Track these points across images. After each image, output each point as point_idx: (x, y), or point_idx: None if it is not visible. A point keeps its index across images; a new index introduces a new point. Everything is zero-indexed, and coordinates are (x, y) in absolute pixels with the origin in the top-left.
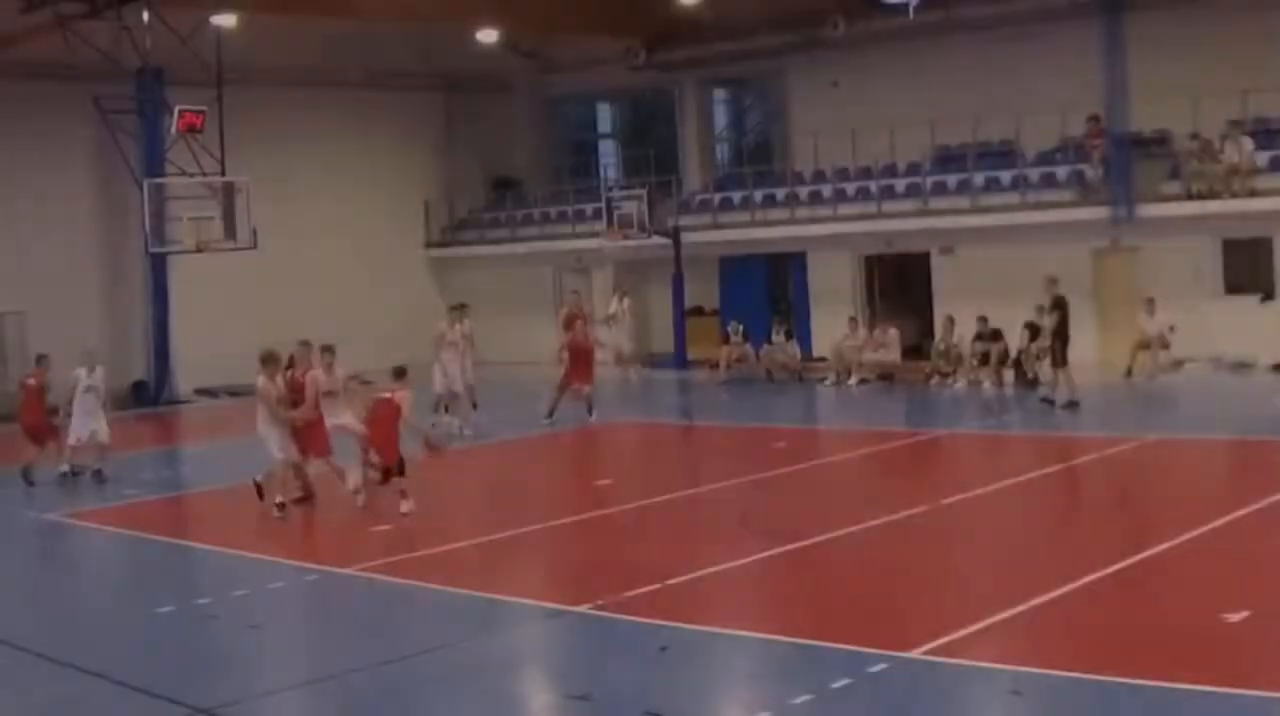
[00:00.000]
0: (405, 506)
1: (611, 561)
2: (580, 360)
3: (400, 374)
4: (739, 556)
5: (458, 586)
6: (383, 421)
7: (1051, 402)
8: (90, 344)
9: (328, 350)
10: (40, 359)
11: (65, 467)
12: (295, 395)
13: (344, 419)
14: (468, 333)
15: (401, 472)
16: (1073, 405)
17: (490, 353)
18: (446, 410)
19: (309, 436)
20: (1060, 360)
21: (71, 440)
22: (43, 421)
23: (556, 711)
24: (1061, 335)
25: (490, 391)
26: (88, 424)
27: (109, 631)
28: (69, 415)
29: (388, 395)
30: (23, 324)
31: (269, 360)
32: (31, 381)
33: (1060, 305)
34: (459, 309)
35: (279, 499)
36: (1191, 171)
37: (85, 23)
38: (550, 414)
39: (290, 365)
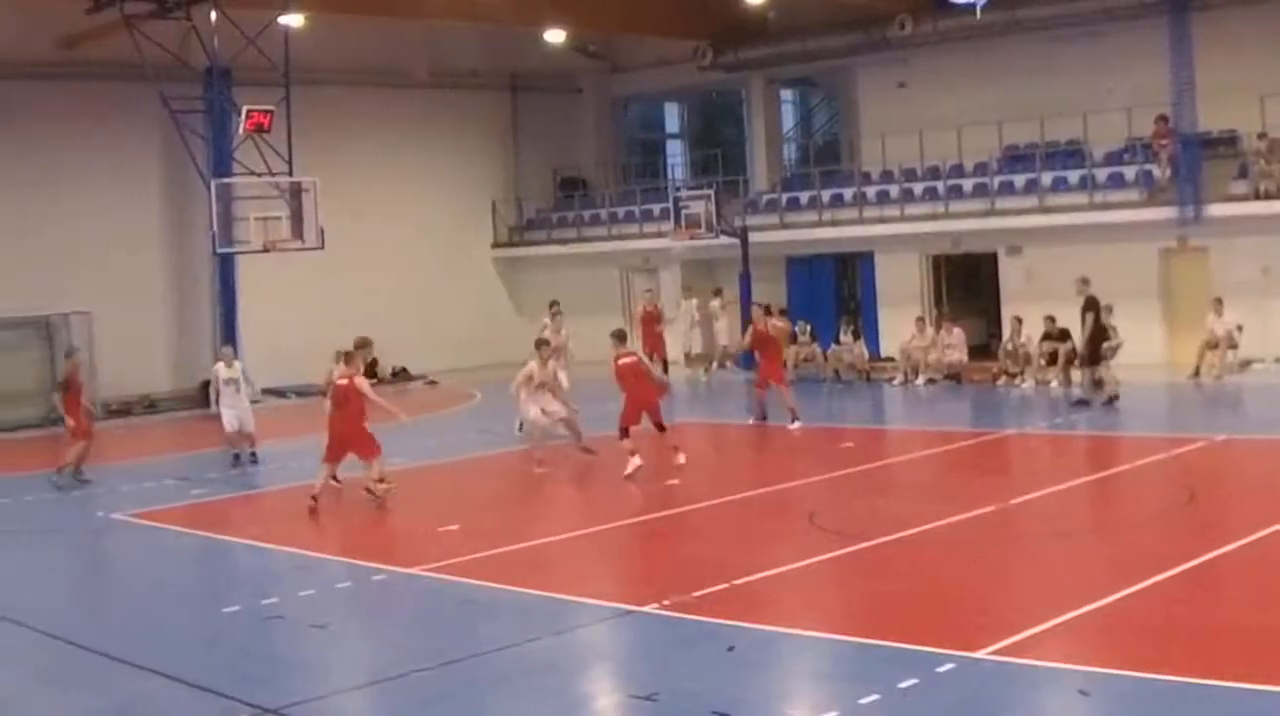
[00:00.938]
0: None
1: (679, 561)
2: (771, 353)
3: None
4: (806, 556)
5: (524, 586)
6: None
7: (1086, 403)
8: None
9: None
10: (70, 352)
11: (233, 452)
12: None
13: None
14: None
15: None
16: (1112, 401)
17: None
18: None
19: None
20: (1092, 359)
21: (226, 429)
22: (78, 416)
23: (623, 711)
24: (1095, 337)
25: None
26: (234, 415)
27: (175, 631)
28: (220, 406)
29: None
30: (89, 324)
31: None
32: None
33: (1092, 306)
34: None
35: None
36: (1259, 171)
37: (153, 22)
38: (763, 417)
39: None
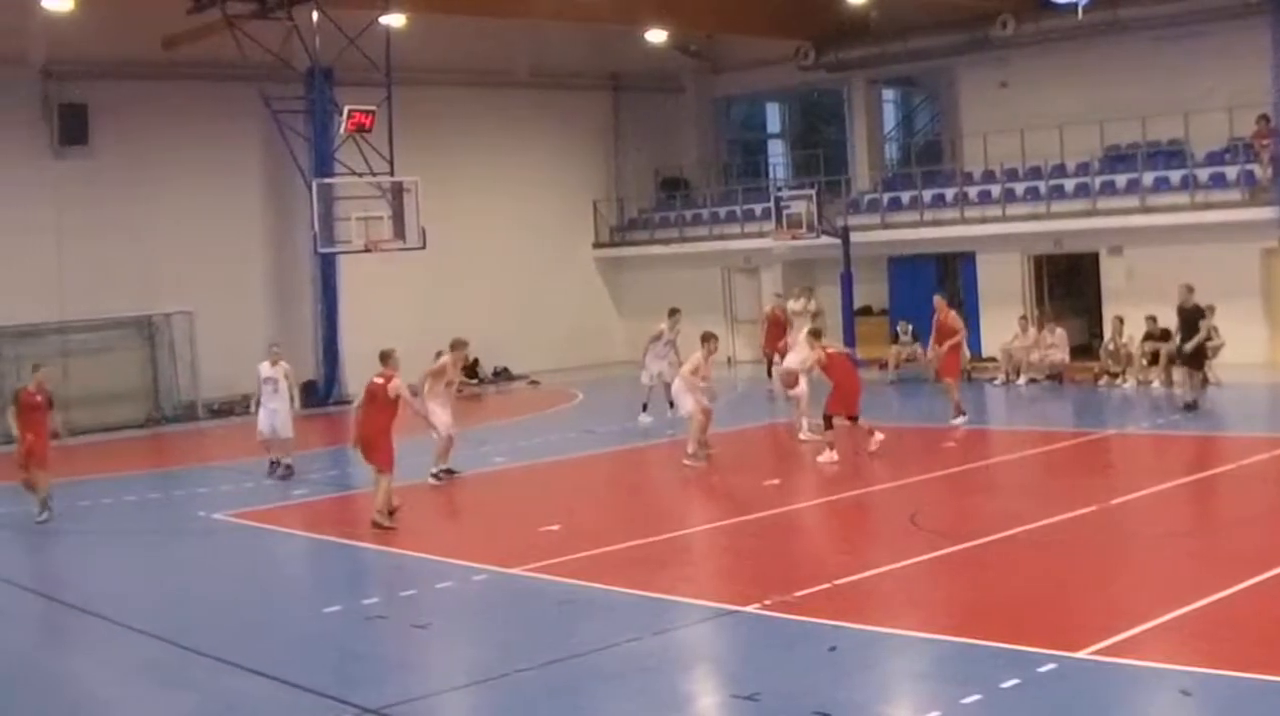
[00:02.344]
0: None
1: (780, 561)
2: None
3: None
4: (908, 556)
5: (625, 586)
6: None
7: (1194, 406)
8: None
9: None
10: (38, 366)
11: (270, 460)
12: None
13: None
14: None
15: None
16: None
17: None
18: (645, 407)
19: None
20: (1192, 362)
21: (258, 436)
22: (41, 438)
23: (724, 711)
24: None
25: (661, 391)
26: (269, 417)
27: (277, 631)
28: (257, 406)
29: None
30: (191, 324)
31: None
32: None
33: (1200, 313)
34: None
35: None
36: None
37: (254, 23)
38: (960, 412)
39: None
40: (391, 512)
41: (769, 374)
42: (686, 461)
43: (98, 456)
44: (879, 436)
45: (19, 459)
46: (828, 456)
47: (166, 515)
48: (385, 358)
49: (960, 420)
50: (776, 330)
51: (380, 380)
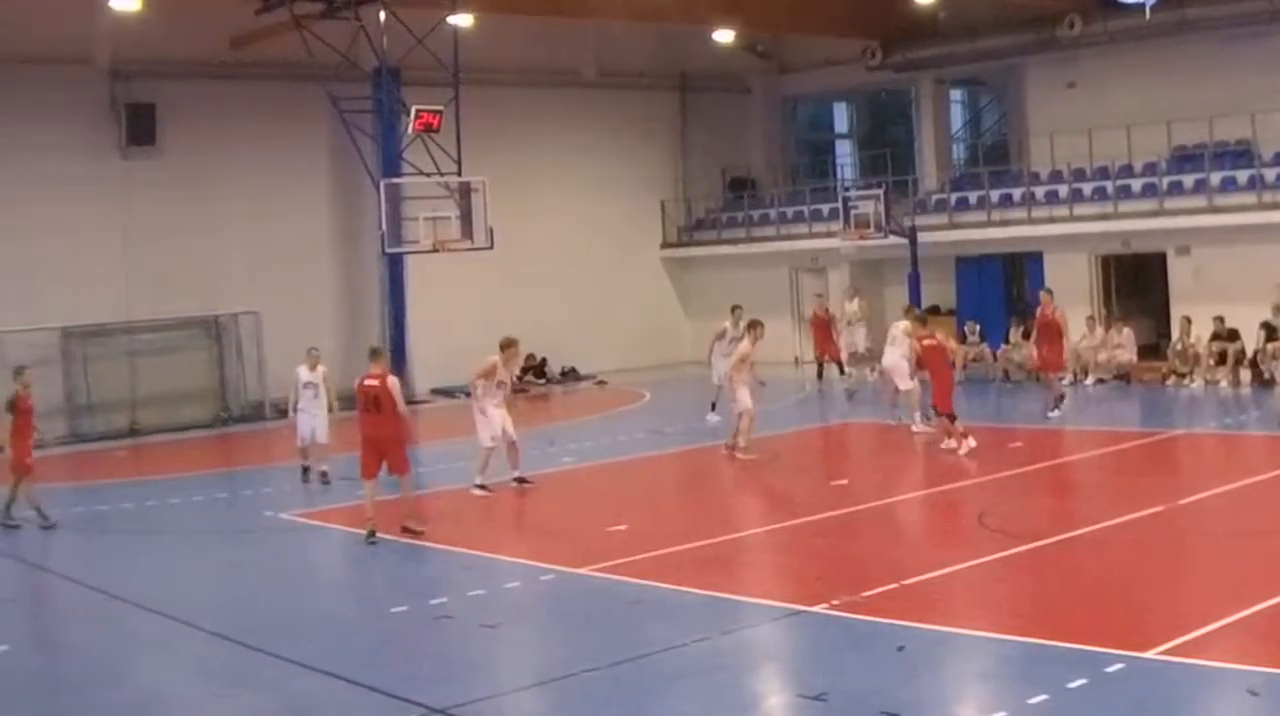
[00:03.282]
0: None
1: (848, 561)
2: (1054, 339)
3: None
4: (975, 556)
5: (693, 586)
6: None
7: None
8: (313, 343)
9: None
10: (19, 371)
11: (303, 465)
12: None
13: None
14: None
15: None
16: None
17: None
18: (714, 407)
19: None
20: None
21: (297, 441)
22: (26, 445)
23: (792, 711)
24: None
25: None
26: (309, 422)
27: (344, 631)
28: (296, 410)
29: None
30: (257, 324)
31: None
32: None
33: None
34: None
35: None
36: None
37: (321, 23)
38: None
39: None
40: (371, 520)
41: (819, 376)
42: (739, 455)
43: (165, 456)
44: (970, 442)
45: (13, 465)
46: (965, 446)
47: (234, 515)
48: (376, 354)
49: (1055, 413)
50: (823, 331)
51: (374, 382)
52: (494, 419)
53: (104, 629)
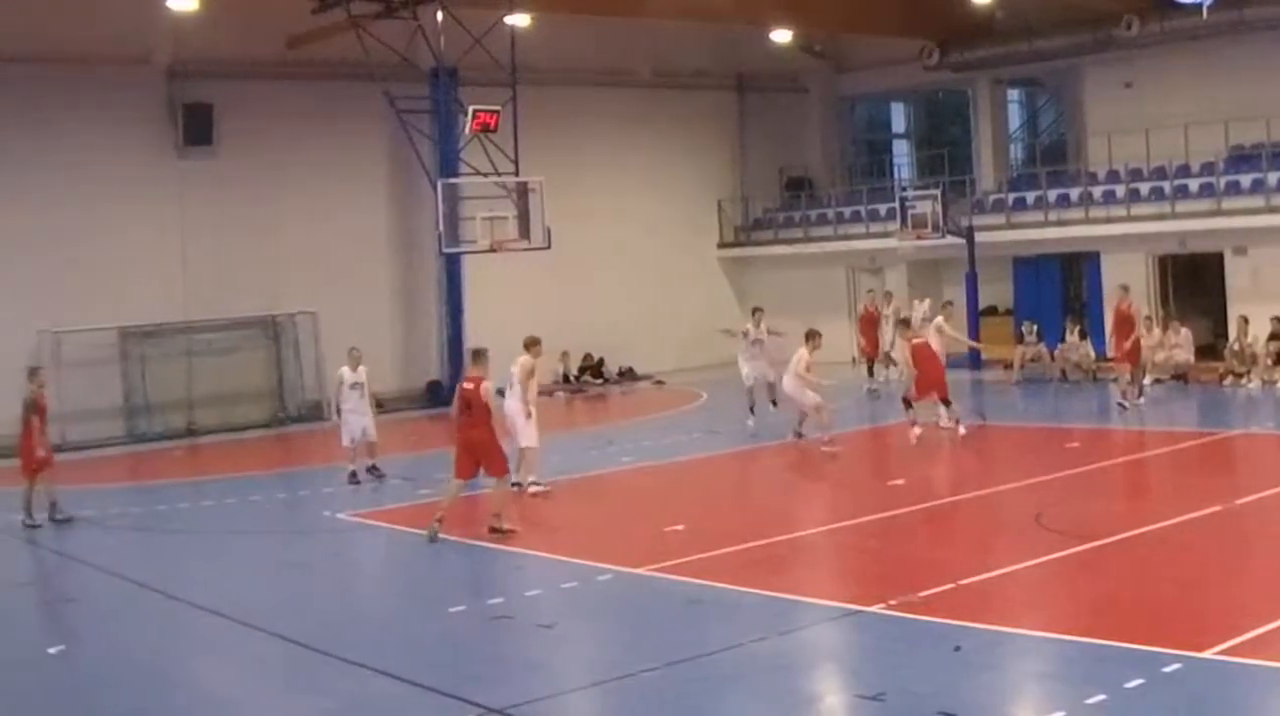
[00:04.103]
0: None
1: (905, 561)
2: (1127, 333)
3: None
4: (1032, 556)
5: (750, 586)
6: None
7: None
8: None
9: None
10: (34, 372)
11: (351, 468)
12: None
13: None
14: (763, 333)
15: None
16: None
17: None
18: (752, 409)
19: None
20: None
21: (345, 441)
22: (43, 445)
23: (849, 711)
24: None
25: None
26: (359, 422)
27: (402, 631)
28: (338, 412)
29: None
30: (315, 324)
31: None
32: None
33: None
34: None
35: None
36: None
37: (378, 22)
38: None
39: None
40: (440, 520)
41: (870, 373)
42: (825, 448)
43: (222, 456)
44: (917, 432)
45: (36, 465)
46: (913, 435)
47: (291, 515)
48: (477, 356)
49: (1142, 400)
50: (872, 329)
51: (470, 385)
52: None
53: (161, 629)
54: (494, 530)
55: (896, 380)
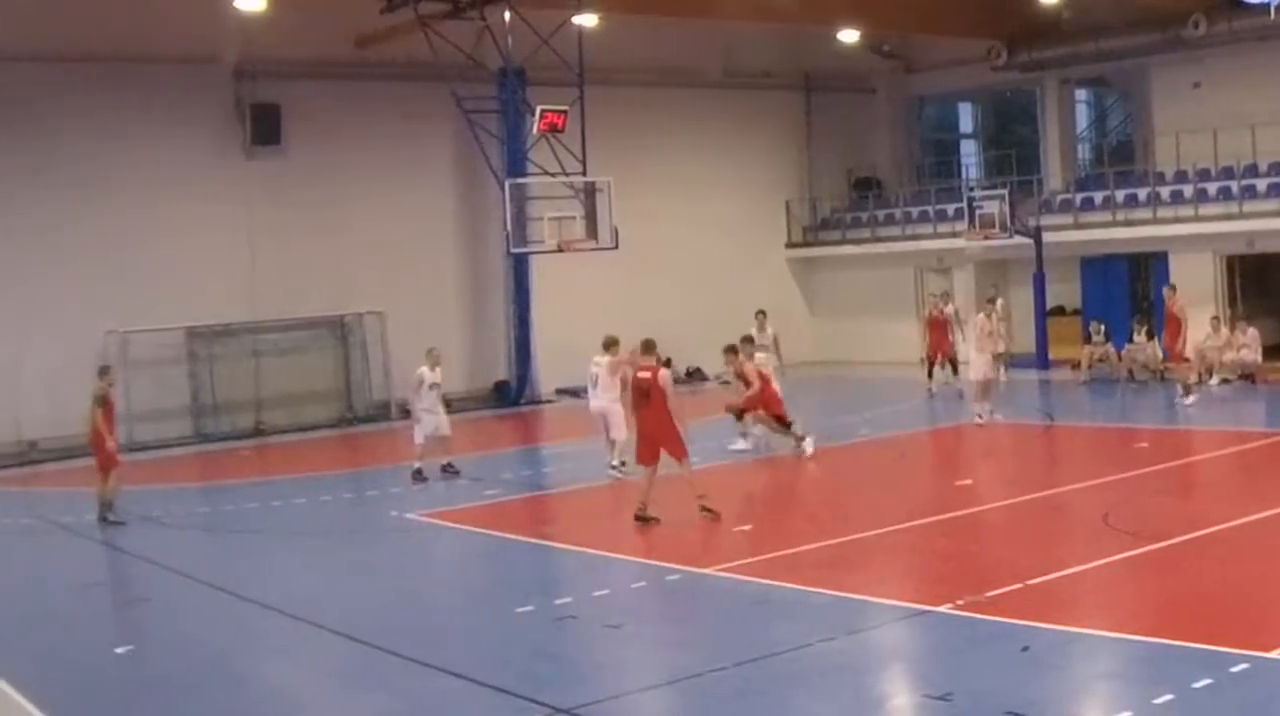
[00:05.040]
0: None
1: (972, 561)
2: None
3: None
4: (1100, 556)
5: (818, 586)
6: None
7: None
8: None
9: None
10: (105, 370)
11: (418, 466)
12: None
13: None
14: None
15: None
16: None
17: (852, 353)
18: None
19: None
20: None
21: (419, 438)
22: (113, 441)
23: (917, 711)
24: None
25: (853, 391)
26: (432, 420)
27: (469, 632)
28: (421, 411)
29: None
30: (383, 324)
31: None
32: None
33: None
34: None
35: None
36: None
37: (446, 22)
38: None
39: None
40: (644, 506)
41: (929, 375)
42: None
43: (290, 456)
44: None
45: (105, 462)
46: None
47: (359, 515)
48: (648, 347)
49: (1191, 399)
50: (939, 331)
51: (646, 373)
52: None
53: (229, 629)
54: (705, 510)
55: (948, 383)
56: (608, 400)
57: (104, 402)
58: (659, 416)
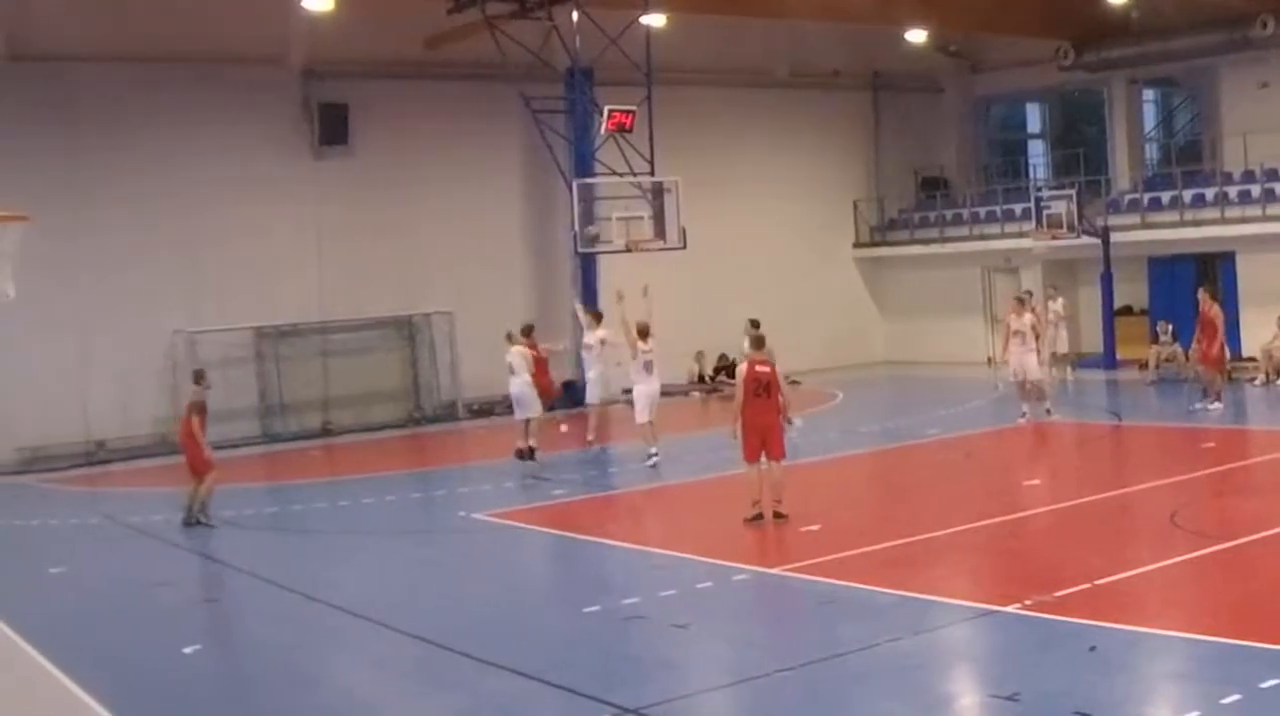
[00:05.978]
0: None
1: (1039, 561)
2: (1212, 334)
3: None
4: (1168, 556)
5: (886, 586)
6: None
7: None
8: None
9: None
10: (200, 375)
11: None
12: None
13: None
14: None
15: None
16: None
17: (920, 353)
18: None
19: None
20: None
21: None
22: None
23: (984, 711)
24: None
25: (922, 390)
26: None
27: (536, 632)
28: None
29: None
30: (451, 324)
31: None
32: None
33: None
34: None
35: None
36: None
37: (514, 22)
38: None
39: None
40: (756, 504)
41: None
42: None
43: (358, 456)
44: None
45: (202, 467)
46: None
47: (427, 515)
48: (761, 342)
49: (1215, 406)
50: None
51: (765, 368)
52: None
53: (297, 629)
54: (778, 515)
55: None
56: (521, 383)
57: (200, 408)
58: (773, 414)
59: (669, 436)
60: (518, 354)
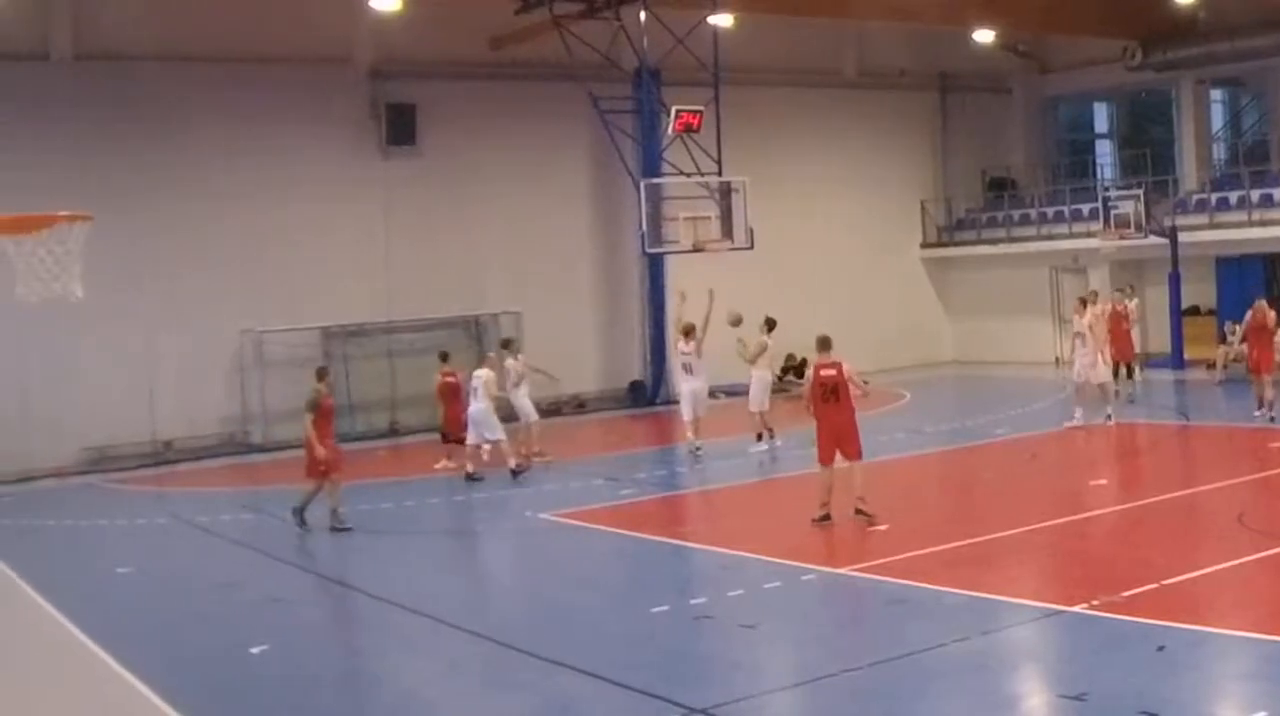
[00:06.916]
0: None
1: (1107, 561)
2: (1265, 342)
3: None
4: (1236, 556)
5: (953, 586)
6: None
7: None
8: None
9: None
10: (324, 371)
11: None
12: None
13: None
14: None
15: None
16: None
17: (988, 353)
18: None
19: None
20: None
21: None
22: (331, 446)
23: (1052, 710)
24: None
25: (989, 390)
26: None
27: (604, 631)
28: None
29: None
30: (518, 324)
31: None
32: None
33: None
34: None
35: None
36: None
37: (581, 23)
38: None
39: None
40: (825, 504)
41: (1129, 376)
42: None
43: (425, 456)
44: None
45: (323, 466)
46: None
47: (493, 514)
48: (827, 344)
49: (1259, 413)
50: (1117, 329)
51: (832, 371)
52: None
53: (363, 628)
54: (859, 512)
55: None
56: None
57: (317, 407)
58: (844, 415)
59: (735, 436)
60: (481, 377)
